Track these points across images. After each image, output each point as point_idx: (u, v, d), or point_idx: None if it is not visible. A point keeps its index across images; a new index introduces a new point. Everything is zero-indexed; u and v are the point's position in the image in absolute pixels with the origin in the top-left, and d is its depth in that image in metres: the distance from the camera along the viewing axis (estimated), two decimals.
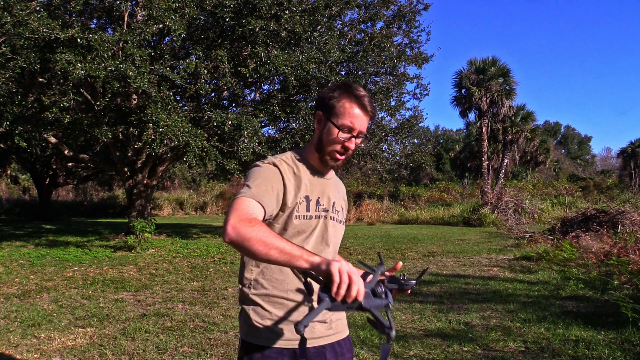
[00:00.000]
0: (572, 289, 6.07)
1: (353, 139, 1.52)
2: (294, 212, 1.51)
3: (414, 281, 1.45)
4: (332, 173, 1.67)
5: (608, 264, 6.88)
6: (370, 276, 1.34)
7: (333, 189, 1.64)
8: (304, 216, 1.53)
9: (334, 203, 1.61)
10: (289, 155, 1.59)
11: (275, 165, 1.51)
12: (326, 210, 1.58)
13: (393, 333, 1.11)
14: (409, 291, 1.48)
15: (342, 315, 1.63)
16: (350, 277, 1.09)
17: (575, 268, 7.23)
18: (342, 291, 1.08)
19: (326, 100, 1.54)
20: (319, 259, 1.17)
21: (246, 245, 1.24)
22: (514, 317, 4.86)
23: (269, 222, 1.50)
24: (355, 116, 1.51)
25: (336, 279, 1.09)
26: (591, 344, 3.98)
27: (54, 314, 5.06)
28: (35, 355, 3.85)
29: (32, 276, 7.18)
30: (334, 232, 1.61)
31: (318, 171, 1.60)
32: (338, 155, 1.54)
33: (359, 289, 1.09)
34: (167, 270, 7.80)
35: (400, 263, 1.53)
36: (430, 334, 4.35)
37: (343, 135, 1.51)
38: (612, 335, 4.18)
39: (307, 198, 1.54)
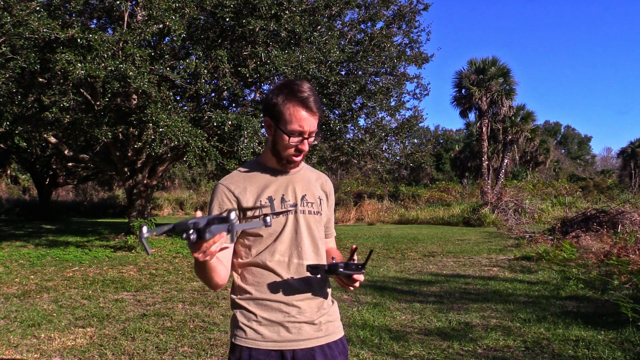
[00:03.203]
0: (572, 289, 6.07)
1: (305, 140, 1.53)
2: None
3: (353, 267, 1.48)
4: (298, 166, 1.65)
5: (608, 264, 6.88)
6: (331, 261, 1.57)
7: (300, 182, 1.63)
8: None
9: (303, 196, 1.61)
10: (234, 173, 1.63)
11: (223, 184, 1.59)
12: (294, 205, 1.58)
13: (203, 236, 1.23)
14: (357, 277, 1.49)
15: (333, 318, 1.63)
16: (201, 249, 1.22)
17: (575, 268, 7.22)
18: (204, 250, 1.22)
19: (272, 106, 1.54)
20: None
21: (202, 277, 1.49)
22: (514, 317, 4.86)
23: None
24: (303, 119, 1.51)
25: (200, 255, 1.24)
26: (591, 344, 3.98)
27: (54, 314, 5.06)
28: (35, 355, 3.85)
29: (32, 276, 7.18)
30: (308, 224, 1.60)
31: (278, 171, 1.61)
32: (294, 158, 1.56)
33: (209, 248, 1.23)
34: (167, 270, 7.80)
35: (354, 246, 1.53)
36: (430, 334, 4.35)
37: (294, 140, 1.52)
38: (612, 335, 4.18)
39: (270, 199, 1.56)
